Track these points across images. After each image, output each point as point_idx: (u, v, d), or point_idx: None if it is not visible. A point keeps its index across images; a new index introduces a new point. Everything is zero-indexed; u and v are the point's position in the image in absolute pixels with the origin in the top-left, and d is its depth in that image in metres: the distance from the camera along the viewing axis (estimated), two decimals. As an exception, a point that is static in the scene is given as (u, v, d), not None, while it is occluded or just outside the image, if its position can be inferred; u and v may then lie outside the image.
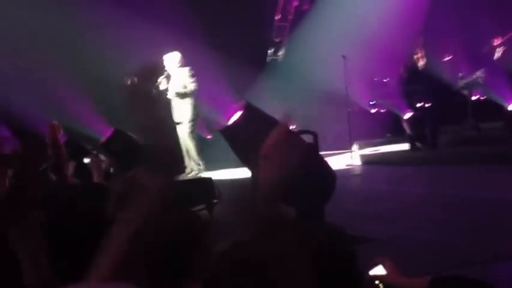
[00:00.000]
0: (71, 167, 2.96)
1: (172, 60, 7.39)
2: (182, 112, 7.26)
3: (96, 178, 3.01)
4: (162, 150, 0.89)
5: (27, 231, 1.13)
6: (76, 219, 1.58)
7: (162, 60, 7.35)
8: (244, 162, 1.64)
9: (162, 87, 7.33)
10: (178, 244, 1.29)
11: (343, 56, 9.43)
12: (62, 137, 2.75)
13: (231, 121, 1.76)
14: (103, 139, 5.18)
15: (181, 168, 7.06)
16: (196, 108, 7.35)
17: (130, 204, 0.88)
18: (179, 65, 7.37)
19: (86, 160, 3.37)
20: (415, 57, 9.45)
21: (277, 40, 13.54)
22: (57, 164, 2.55)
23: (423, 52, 9.61)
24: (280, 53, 13.61)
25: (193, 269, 1.29)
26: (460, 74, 9.84)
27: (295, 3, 13.22)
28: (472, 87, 9.78)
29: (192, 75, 7.30)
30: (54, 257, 1.21)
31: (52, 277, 1.10)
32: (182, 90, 7.23)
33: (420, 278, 1.31)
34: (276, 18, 13.39)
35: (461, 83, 9.80)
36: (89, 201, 2.24)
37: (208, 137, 9.03)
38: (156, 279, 1.23)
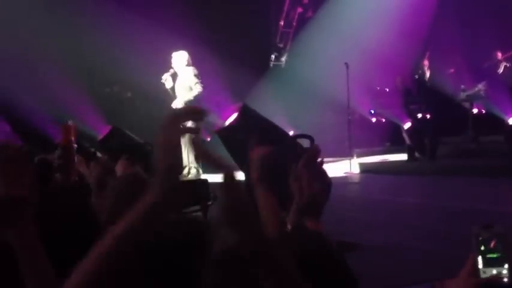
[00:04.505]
0: (81, 167, 2.92)
1: (180, 58, 7.39)
2: None
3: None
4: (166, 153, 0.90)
5: (27, 235, 1.12)
6: (72, 219, 1.56)
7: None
8: (239, 164, 1.64)
9: (167, 85, 7.33)
10: (182, 250, 1.28)
11: (346, 64, 9.44)
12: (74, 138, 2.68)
13: (227, 122, 1.76)
14: (100, 136, 5.16)
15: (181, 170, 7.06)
16: None
17: (131, 202, 0.88)
18: (186, 64, 7.38)
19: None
20: (424, 67, 9.52)
21: (280, 46, 13.57)
22: (65, 165, 2.53)
23: (428, 64, 9.68)
24: (283, 58, 13.63)
25: (196, 275, 1.28)
26: (462, 86, 9.86)
27: (299, 10, 13.27)
28: (473, 99, 9.80)
29: (196, 75, 7.31)
30: (55, 261, 1.20)
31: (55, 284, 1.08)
32: (189, 97, 7.21)
33: None
34: (280, 24, 13.43)
35: (463, 95, 9.82)
36: (86, 200, 2.23)
37: (208, 139, 9.03)
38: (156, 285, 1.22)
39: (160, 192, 0.87)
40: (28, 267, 1.09)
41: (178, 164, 0.90)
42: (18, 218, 1.09)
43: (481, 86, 9.51)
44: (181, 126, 0.90)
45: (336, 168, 9.22)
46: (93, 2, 9.57)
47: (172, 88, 7.37)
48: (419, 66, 10.00)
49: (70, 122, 2.77)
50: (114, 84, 10.91)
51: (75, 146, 2.69)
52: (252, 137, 1.54)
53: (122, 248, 0.86)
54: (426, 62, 9.93)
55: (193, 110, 0.96)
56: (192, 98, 7.22)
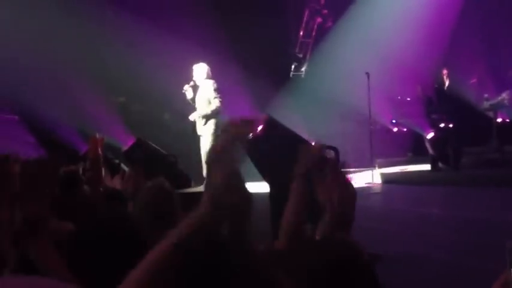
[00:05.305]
0: (106, 178, 2.96)
1: (200, 70, 7.49)
2: (205, 126, 7.34)
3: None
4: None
5: (47, 242, 1.15)
6: (102, 228, 1.59)
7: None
8: (264, 175, 1.65)
9: (188, 95, 7.43)
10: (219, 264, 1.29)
11: (367, 73, 9.41)
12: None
13: (252, 134, 1.79)
14: (125, 148, 5.24)
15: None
16: (218, 123, 7.41)
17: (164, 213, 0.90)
18: (206, 76, 7.47)
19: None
20: (443, 76, 9.44)
21: (300, 56, 13.59)
22: (94, 178, 2.57)
23: (447, 72, 9.60)
24: (303, 68, 13.64)
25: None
26: (486, 95, 9.74)
27: (319, 20, 13.28)
28: (497, 108, 9.66)
29: (216, 89, 7.38)
30: (81, 268, 1.22)
31: None
32: (207, 112, 7.29)
33: None
34: (299, 34, 13.46)
35: (487, 104, 9.69)
36: (114, 209, 2.26)
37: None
38: None
39: (211, 206, 0.88)
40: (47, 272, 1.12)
41: (232, 182, 0.89)
42: (38, 236, 1.12)
43: (505, 95, 9.37)
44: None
45: (358, 179, 9.16)
46: (115, 15, 9.75)
47: (193, 99, 7.47)
48: (438, 75, 9.92)
49: (98, 135, 2.80)
50: (134, 96, 11.05)
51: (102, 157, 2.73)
52: (277, 149, 1.56)
53: (173, 259, 0.86)
54: (445, 71, 9.84)
55: (247, 123, 0.94)
56: (209, 112, 7.30)
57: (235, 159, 0.89)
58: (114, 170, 3.86)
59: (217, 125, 7.34)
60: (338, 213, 1.24)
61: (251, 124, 0.92)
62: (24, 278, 0.86)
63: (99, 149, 2.61)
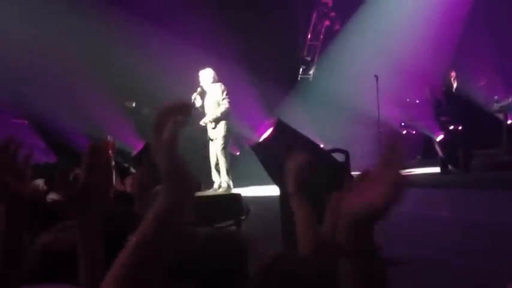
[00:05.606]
0: (116, 182, 3.00)
1: (206, 76, 7.52)
2: (216, 129, 7.35)
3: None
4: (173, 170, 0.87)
5: (91, 227, 1.17)
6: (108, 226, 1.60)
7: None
8: (274, 178, 1.65)
9: (197, 103, 7.45)
10: (219, 264, 1.29)
11: (375, 76, 9.39)
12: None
13: (262, 137, 1.78)
14: (134, 152, 5.28)
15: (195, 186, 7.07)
16: (229, 126, 7.42)
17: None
18: (212, 80, 7.49)
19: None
20: (451, 78, 9.40)
21: (308, 59, 13.59)
22: (105, 181, 2.59)
23: (455, 74, 9.56)
24: (311, 71, 13.64)
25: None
26: (496, 97, 9.69)
27: (327, 23, 13.28)
28: (507, 110, 9.60)
29: (224, 91, 7.40)
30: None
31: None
32: (217, 114, 7.31)
33: None
34: (307, 37, 13.47)
35: (497, 106, 9.64)
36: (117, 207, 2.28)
37: (237, 153, 9.06)
38: None
39: (167, 197, 0.84)
40: (85, 256, 1.14)
41: (179, 164, 0.84)
42: (78, 214, 1.16)
43: (515, 97, 9.33)
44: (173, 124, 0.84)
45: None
46: (124, 20, 9.80)
47: (202, 106, 7.48)
48: (446, 78, 9.88)
49: (109, 138, 2.83)
50: (144, 100, 11.10)
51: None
52: (287, 152, 1.56)
53: (140, 258, 0.84)
54: (453, 73, 9.80)
55: (180, 104, 0.89)
56: (219, 115, 7.31)
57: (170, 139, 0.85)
58: (123, 173, 3.88)
59: (227, 128, 7.36)
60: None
61: (184, 107, 0.87)
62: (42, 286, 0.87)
63: (111, 153, 2.64)
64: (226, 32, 10.15)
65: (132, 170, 5.14)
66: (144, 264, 0.84)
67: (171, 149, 0.83)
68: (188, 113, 0.87)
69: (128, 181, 3.23)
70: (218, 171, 7.39)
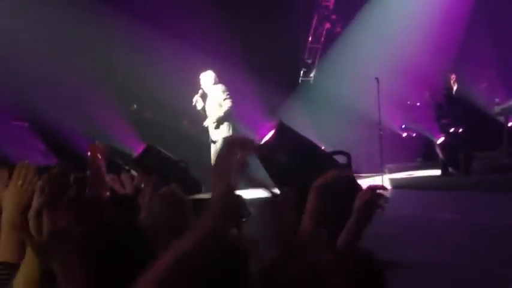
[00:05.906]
0: (116, 184, 3.00)
1: (207, 78, 7.56)
2: (218, 130, 7.37)
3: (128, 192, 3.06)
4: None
5: (67, 247, 1.16)
6: (109, 231, 1.60)
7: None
8: (275, 181, 1.66)
9: (199, 106, 7.48)
10: (221, 266, 1.29)
11: (376, 79, 9.39)
12: (103, 157, 2.75)
13: (264, 140, 1.79)
14: (135, 154, 5.27)
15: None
16: (231, 127, 7.44)
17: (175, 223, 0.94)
18: (213, 82, 7.53)
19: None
20: (451, 81, 9.41)
21: (308, 61, 13.60)
22: (95, 183, 2.60)
23: (456, 77, 9.57)
24: (312, 74, 13.65)
25: None
26: (497, 100, 9.68)
27: (328, 26, 13.29)
28: (508, 113, 9.59)
29: (225, 91, 7.43)
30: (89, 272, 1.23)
31: None
32: (220, 114, 7.32)
33: None
34: (308, 40, 13.48)
35: (497, 108, 9.63)
36: (120, 214, 2.28)
37: (238, 155, 9.02)
38: None
39: (216, 218, 0.92)
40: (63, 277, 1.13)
41: (232, 191, 0.95)
42: (63, 250, 1.13)
43: (516, 100, 9.33)
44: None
45: (367, 184, 9.10)
46: (126, 23, 9.83)
47: (204, 108, 7.51)
48: (447, 80, 9.88)
49: (97, 142, 2.86)
50: (145, 103, 11.11)
51: (103, 163, 2.77)
52: (289, 154, 1.56)
53: (178, 272, 0.89)
54: (453, 76, 9.79)
55: (246, 141, 1.00)
56: (222, 114, 7.34)
57: (235, 174, 0.94)
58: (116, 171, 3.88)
59: (229, 129, 7.38)
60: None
61: (252, 144, 0.97)
62: None
63: (99, 155, 2.66)
64: (227, 35, 10.16)
65: (133, 172, 5.14)
66: (186, 271, 0.90)
67: (229, 177, 0.94)
68: (254, 151, 0.97)
69: (126, 180, 3.24)
70: (219, 173, 7.38)
